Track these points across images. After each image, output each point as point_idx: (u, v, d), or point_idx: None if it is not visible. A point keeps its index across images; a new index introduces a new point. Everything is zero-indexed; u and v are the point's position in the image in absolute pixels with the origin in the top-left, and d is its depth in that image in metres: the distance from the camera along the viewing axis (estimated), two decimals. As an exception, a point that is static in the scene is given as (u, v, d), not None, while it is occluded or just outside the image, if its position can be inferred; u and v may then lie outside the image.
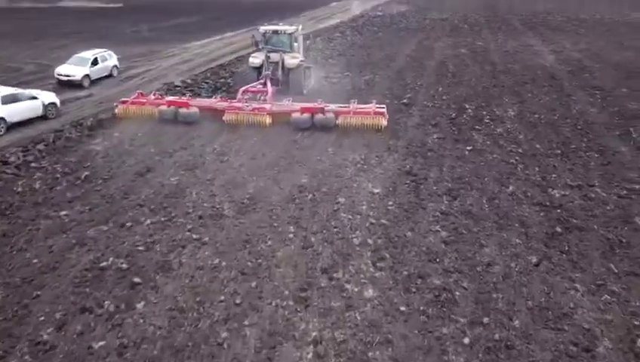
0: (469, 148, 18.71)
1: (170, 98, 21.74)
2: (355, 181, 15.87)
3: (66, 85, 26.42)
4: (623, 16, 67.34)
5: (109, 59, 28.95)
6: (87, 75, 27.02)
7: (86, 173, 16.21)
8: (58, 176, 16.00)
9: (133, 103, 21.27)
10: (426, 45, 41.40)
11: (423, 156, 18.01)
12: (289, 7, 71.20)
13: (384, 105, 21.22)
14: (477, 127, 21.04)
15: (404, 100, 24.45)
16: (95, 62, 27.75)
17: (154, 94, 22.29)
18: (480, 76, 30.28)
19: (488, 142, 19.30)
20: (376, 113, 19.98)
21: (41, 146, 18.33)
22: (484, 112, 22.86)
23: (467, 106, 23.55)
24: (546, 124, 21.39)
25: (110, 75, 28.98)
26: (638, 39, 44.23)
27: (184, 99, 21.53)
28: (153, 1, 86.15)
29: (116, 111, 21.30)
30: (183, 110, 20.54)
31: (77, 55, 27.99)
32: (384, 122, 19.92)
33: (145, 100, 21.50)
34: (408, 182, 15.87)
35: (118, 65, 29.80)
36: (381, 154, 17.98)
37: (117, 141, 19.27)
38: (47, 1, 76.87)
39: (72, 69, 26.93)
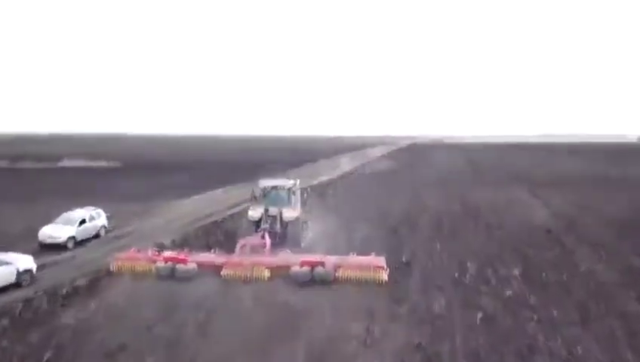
0: (479, 315, 16.90)
1: (168, 254, 21.24)
2: (358, 361, 13.74)
3: (49, 246, 25.03)
4: (601, 172, 70.41)
5: (97, 218, 28.09)
6: (72, 237, 25.80)
7: (48, 354, 13.95)
8: (15, 360, 13.71)
9: (129, 259, 20.85)
10: (418, 201, 41.66)
11: (431, 325, 16.09)
12: (279, 165, 73.88)
13: (383, 258, 20.41)
14: (484, 289, 19.44)
15: (403, 259, 23.16)
16: (83, 222, 26.80)
17: (151, 250, 21.87)
18: (475, 232, 29.63)
19: (499, 307, 17.54)
20: (376, 267, 19.48)
21: (5, 321, 16.19)
22: (489, 271, 21.47)
23: (469, 265, 22.20)
24: (556, 285, 19.86)
25: (97, 236, 27.84)
26: (622, 194, 45.14)
27: (182, 254, 20.97)
28: (149, 161, 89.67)
29: (112, 268, 20.74)
30: (180, 266, 20.02)
31: (65, 214, 27.11)
32: (385, 276, 19.32)
33: (141, 256, 21.07)
34: (419, 360, 13.77)
35: (107, 225, 28.85)
36: (385, 324, 16.06)
37: (92, 312, 17.22)
38: (47, 162, 79.43)
39: (58, 229, 25.77)
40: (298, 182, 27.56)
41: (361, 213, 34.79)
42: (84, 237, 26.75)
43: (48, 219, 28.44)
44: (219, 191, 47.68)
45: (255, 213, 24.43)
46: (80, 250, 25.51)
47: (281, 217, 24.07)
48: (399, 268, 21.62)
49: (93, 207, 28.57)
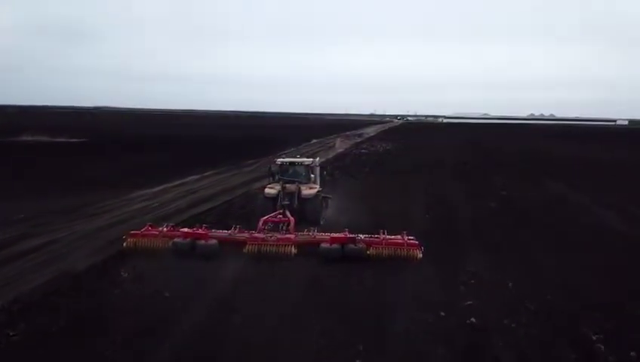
0: None
1: (186, 229, 18.98)
2: None
3: None
4: (622, 157, 61.33)
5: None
6: None
7: None
8: None
9: (144, 236, 18.54)
10: (438, 195, 31.54)
11: None
12: (269, 145, 63.40)
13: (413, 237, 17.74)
14: None
15: (468, 318, 13.02)
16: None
17: (166, 226, 19.36)
18: (546, 250, 19.66)
19: None
20: (409, 245, 17.51)
21: None
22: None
23: (603, 348, 11.94)
24: None
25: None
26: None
27: (201, 230, 18.70)
28: (121, 136, 78.16)
29: (124, 244, 18.29)
30: (200, 242, 17.86)
31: None
32: (419, 255, 17.23)
33: (157, 232, 18.75)
34: None
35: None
36: None
37: None
38: (4, 135, 67.60)
39: None
40: (317, 159, 26.64)
41: (372, 215, 24.60)
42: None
43: None
44: (192, 179, 36.89)
45: (272, 190, 22.38)
46: None
47: (299, 194, 22.03)
48: (466, 343, 11.66)
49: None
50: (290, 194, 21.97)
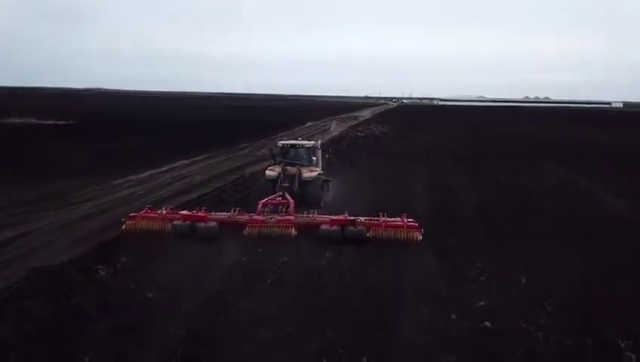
0: None
1: (185, 212, 18.73)
2: None
3: None
4: (620, 139, 60.43)
5: None
6: None
7: None
8: None
9: (143, 218, 18.16)
10: (439, 183, 30.20)
11: None
12: (264, 127, 61.90)
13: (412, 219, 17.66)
14: None
15: (481, 322, 11.78)
16: None
17: (165, 209, 19.10)
18: (554, 239, 18.54)
19: None
20: (409, 227, 17.41)
21: None
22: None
23: (634, 357, 10.71)
24: None
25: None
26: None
27: (201, 212, 18.42)
28: (109, 118, 76.13)
29: (123, 227, 17.81)
30: (200, 225, 17.54)
31: None
32: (419, 236, 17.19)
33: (156, 215, 18.43)
34: None
35: None
36: None
37: None
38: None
39: None
40: (319, 142, 26.00)
41: (372, 203, 23.48)
42: None
43: None
44: (181, 164, 35.38)
45: (272, 172, 22.36)
46: None
47: (299, 177, 21.87)
48: (477, 350, 10.56)
49: None
50: (291, 177, 21.83)
